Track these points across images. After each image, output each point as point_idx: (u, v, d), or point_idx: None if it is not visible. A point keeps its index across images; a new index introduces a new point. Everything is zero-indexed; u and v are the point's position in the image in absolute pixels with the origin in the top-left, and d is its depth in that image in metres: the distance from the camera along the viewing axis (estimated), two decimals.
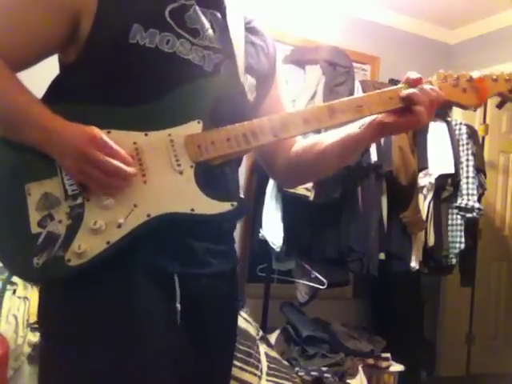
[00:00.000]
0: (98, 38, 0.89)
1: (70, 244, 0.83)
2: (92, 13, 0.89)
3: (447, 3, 3.29)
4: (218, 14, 1.02)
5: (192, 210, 0.87)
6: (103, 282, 0.86)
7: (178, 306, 0.92)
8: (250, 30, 1.08)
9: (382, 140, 2.72)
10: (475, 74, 1.09)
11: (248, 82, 1.02)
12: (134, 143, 0.88)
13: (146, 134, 0.89)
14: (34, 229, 0.85)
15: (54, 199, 0.86)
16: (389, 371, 2.71)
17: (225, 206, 0.89)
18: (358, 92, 2.77)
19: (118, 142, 0.85)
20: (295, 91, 2.58)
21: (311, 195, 2.44)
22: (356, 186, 2.60)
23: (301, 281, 2.74)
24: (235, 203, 0.89)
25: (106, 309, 0.86)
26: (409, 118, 0.96)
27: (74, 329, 0.86)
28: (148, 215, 0.85)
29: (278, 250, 2.55)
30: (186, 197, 0.88)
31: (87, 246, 0.83)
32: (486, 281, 3.68)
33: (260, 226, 2.63)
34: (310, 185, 2.43)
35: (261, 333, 2.41)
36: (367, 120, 0.98)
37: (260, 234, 2.63)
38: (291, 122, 0.94)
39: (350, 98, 0.99)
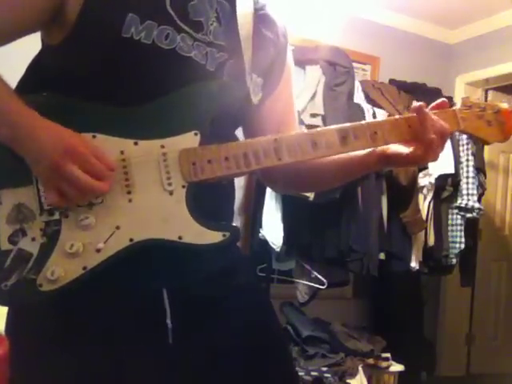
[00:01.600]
0: (86, 26, 0.78)
1: (43, 267, 0.74)
2: None
3: (447, 3, 3.29)
4: (226, 3, 0.89)
5: (180, 237, 0.78)
6: (75, 311, 0.77)
7: (169, 322, 0.82)
8: (260, 18, 0.94)
9: None
10: (503, 106, 0.95)
11: (254, 82, 0.91)
12: (122, 152, 0.77)
13: (135, 143, 0.78)
14: (4, 245, 0.75)
15: (27, 212, 0.76)
16: (389, 371, 2.71)
17: (216, 237, 0.79)
18: (358, 92, 2.77)
19: (103, 149, 0.75)
20: (295, 91, 2.57)
21: (311, 195, 2.44)
22: (356, 186, 2.59)
23: (301, 281, 2.73)
24: (227, 234, 0.79)
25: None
26: (416, 151, 0.86)
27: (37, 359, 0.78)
28: (131, 240, 0.76)
29: (278, 249, 2.54)
30: (175, 222, 0.78)
31: (61, 270, 0.74)
32: (486, 281, 3.68)
33: (260, 226, 2.63)
34: None
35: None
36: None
37: (260, 234, 2.63)
38: (298, 146, 0.84)
39: (367, 121, 0.88)
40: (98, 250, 0.75)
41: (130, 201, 0.77)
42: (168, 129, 0.80)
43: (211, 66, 0.85)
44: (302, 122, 2.47)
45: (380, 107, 2.79)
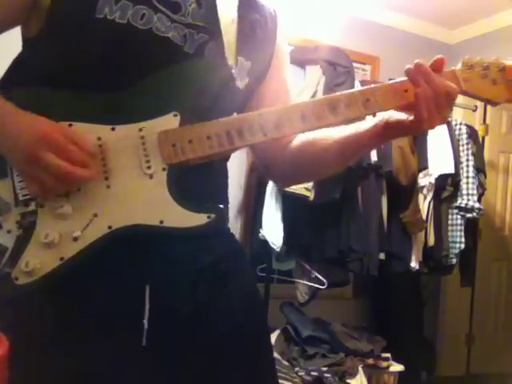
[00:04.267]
0: (59, 9, 0.76)
1: (18, 259, 0.71)
2: None
3: (447, 3, 3.29)
4: None
5: (161, 222, 0.74)
6: (52, 307, 0.73)
7: (146, 322, 0.78)
8: (247, 1, 0.91)
9: None
10: (509, 63, 0.86)
11: (240, 65, 0.87)
12: (99, 139, 0.75)
13: (112, 129, 0.75)
14: None
15: (2, 204, 0.73)
16: (389, 371, 2.71)
17: (200, 219, 0.75)
18: None
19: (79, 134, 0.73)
20: (295, 91, 2.57)
21: (311, 195, 2.44)
22: (356, 186, 2.59)
23: (301, 281, 2.73)
24: (212, 215, 0.75)
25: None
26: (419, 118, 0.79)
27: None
28: (109, 227, 0.73)
29: (278, 249, 2.54)
30: (155, 206, 0.75)
31: (37, 261, 0.71)
32: (486, 281, 3.68)
33: (260, 226, 2.63)
34: (310, 185, 2.43)
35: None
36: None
37: (260, 234, 2.63)
38: (286, 119, 0.78)
39: (358, 89, 0.83)
40: (75, 239, 0.72)
41: (108, 187, 0.74)
42: (146, 112, 0.76)
43: (190, 48, 0.81)
44: None
45: None
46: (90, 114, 0.75)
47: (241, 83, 0.88)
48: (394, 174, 2.65)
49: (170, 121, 0.76)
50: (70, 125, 0.74)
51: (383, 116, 0.84)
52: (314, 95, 2.60)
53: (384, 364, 2.69)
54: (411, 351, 2.97)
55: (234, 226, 2.88)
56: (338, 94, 0.81)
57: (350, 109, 0.80)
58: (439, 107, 0.79)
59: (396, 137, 0.89)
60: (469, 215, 2.88)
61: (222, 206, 0.83)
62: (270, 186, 2.63)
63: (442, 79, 0.80)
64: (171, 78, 0.78)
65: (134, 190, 0.75)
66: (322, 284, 2.59)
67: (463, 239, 2.89)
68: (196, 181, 0.80)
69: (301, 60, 2.82)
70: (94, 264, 0.74)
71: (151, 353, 0.79)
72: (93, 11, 0.75)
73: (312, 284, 2.66)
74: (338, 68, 2.71)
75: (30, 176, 0.71)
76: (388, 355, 2.74)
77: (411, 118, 0.80)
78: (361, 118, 0.84)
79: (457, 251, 2.88)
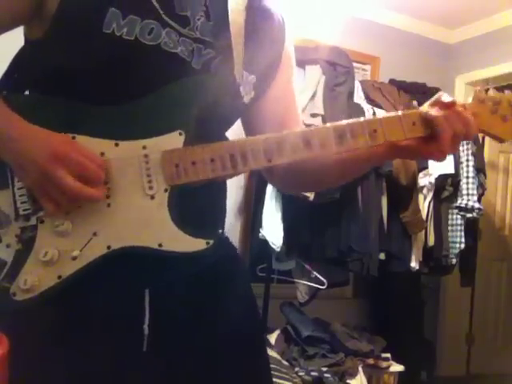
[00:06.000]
0: (65, 19, 0.74)
1: (17, 275, 0.71)
2: None
3: (447, 3, 3.29)
4: None
5: (160, 245, 0.73)
6: (50, 314, 0.73)
7: (146, 328, 0.78)
8: (255, 12, 0.88)
9: None
10: None
11: (245, 80, 0.85)
12: (102, 154, 0.73)
13: (116, 144, 0.74)
14: None
15: (2, 217, 0.72)
16: (389, 371, 2.71)
17: (198, 244, 0.74)
18: (358, 92, 2.77)
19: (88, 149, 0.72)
20: (295, 91, 2.57)
21: (311, 195, 2.44)
22: (356, 186, 2.59)
23: (301, 281, 2.73)
24: (211, 241, 0.74)
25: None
26: (429, 146, 0.79)
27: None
28: (108, 247, 0.72)
29: (278, 249, 2.54)
30: (155, 228, 0.73)
31: (35, 279, 0.70)
32: (486, 281, 3.68)
33: (260, 226, 2.63)
34: None
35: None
36: None
37: (260, 234, 2.62)
38: (289, 145, 0.77)
39: (366, 118, 0.81)
40: (74, 258, 0.71)
41: (108, 205, 0.73)
42: (151, 128, 0.75)
43: (197, 64, 0.80)
44: (302, 122, 2.46)
45: (380, 107, 2.79)
46: (93, 126, 0.74)
47: (246, 98, 0.86)
48: (394, 173, 2.65)
49: (174, 139, 0.75)
50: (74, 137, 0.73)
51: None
52: (313, 95, 2.60)
53: (384, 364, 2.69)
54: (411, 351, 2.97)
55: (234, 226, 2.88)
56: (344, 122, 0.80)
57: (357, 139, 0.79)
58: (457, 144, 0.80)
59: (396, 158, 0.88)
60: (469, 215, 2.88)
61: (220, 230, 0.82)
62: (270, 187, 2.63)
63: (461, 120, 0.78)
64: (176, 93, 0.76)
65: (135, 210, 0.74)
66: (322, 284, 2.59)
67: (463, 239, 2.89)
68: (196, 202, 0.79)
69: (301, 60, 2.81)
70: (93, 271, 0.73)
71: (152, 358, 0.79)
72: (100, 25, 0.73)
73: (312, 284, 2.66)
74: (338, 68, 2.71)
75: (44, 193, 0.70)
76: (388, 355, 2.74)
77: (420, 146, 0.80)
78: (366, 148, 0.83)
79: (457, 251, 2.88)
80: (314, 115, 2.53)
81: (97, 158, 0.72)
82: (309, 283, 2.68)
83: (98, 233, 0.73)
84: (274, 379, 2.16)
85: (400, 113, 0.81)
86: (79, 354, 0.75)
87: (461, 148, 2.96)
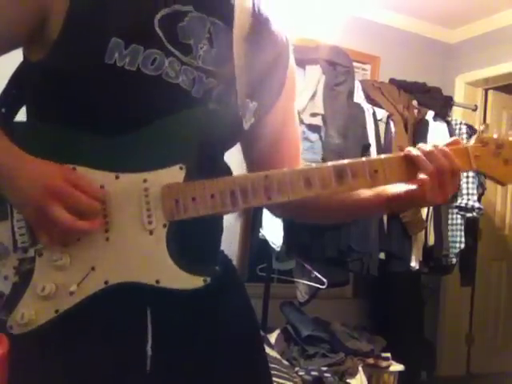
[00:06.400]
0: (66, 47, 0.73)
1: (14, 308, 0.70)
2: (62, 11, 0.71)
3: (447, 3, 3.29)
4: (221, 23, 0.81)
5: (157, 281, 0.73)
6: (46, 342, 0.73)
7: (149, 350, 0.78)
8: (258, 34, 0.85)
9: (382, 139, 2.72)
10: None
11: (247, 107, 0.84)
12: (102, 187, 0.73)
13: (116, 177, 0.73)
14: None
15: (1, 248, 0.72)
16: (389, 371, 2.71)
17: (196, 282, 0.73)
18: (358, 92, 2.77)
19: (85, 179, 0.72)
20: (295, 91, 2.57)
21: None
22: None
23: (301, 280, 2.73)
24: (208, 279, 0.73)
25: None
26: (428, 189, 0.78)
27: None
28: (106, 282, 0.72)
29: (278, 249, 2.54)
30: (153, 264, 0.73)
31: (32, 313, 0.70)
32: (486, 281, 3.68)
33: (260, 226, 2.63)
34: None
35: (261, 333, 2.41)
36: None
37: (260, 234, 2.62)
38: (290, 183, 0.77)
39: (368, 158, 0.81)
40: (72, 293, 0.71)
41: (107, 239, 0.73)
42: (152, 161, 0.74)
43: (198, 93, 0.79)
44: (302, 122, 2.46)
45: (380, 107, 2.79)
46: (93, 157, 0.73)
47: (246, 125, 0.86)
48: None
49: (175, 174, 0.74)
50: (74, 168, 0.72)
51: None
52: (313, 95, 2.60)
53: (384, 364, 2.69)
54: (411, 351, 2.97)
55: (234, 226, 2.88)
56: (346, 162, 0.80)
57: (357, 179, 0.79)
58: (443, 185, 0.79)
59: (399, 208, 0.89)
60: (469, 215, 2.88)
61: (217, 267, 0.81)
62: None
63: (447, 158, 0.79)
64: (178, 126, 0.75)
65: (133, 245, 0.73)
66: (322, 284, 2.59)
67: (463, 239, 2.89)
68: (194, 236, 0.78)
69: (301, 60, 2.82)
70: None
71: (155, 378, 0.79)
72: (102, 55, 0.72)
73: (312, 284, 2.65)
74: (338, 68, 2.71)
75: (39, 226, 0.70)
76: (388, 355, 2.74)
77: (418, 191, 0.80)
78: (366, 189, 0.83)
79: (457, 251, 2.88)
80: (313, 115, 2.53)
81: (94, 188, 0.72)
82: (309, 283, 2.68)
83: (95, 267, 0.72)
84: (274, 379, 2.16)
85: (402, 153, 0.82)
86: (82, 375, 0.75)
87: None
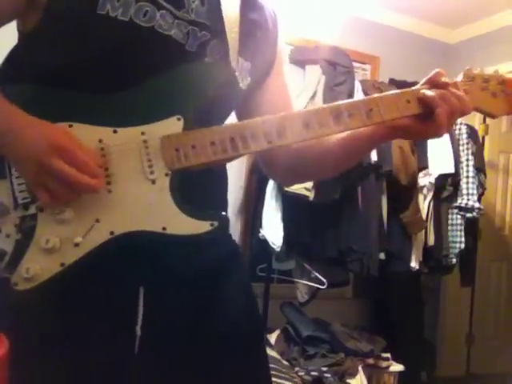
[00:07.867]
0: (58, 4, 0.74)
1: (18, 265, 0.69)
2: None
3: (447, 3, 3.29)
4: None
5: (164, 228, 0.72)
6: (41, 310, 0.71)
7: (138, 330, 0.76)
8: (248, 2, 0.89)
9: None
10: (508, 76, 0.90)
11: (240, 65, 0.85)
12: (100, 141, 0.73)
13: (114, 131, 0.73)
14: None
15: (1, 207, 0.71)
16: (389, 371, 2.71)
17: (203, 226, 0.73)
18: (358, 92, 2.77)
19: (80, 138, 0.71)
20: (295, 91, 2.58)
21: (311, 195, 2.44)
22: (356, 186, 2.59)
23: (301, 281, 2.73)
24: (215, 223, 0.73)
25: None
26: (426, 125, 0.81)
27: None
28: (111, 233, 0.71)
29: (278, 249, 2.54)
30: (158, 212, 0.73)
31: (38, 267, 0.69)
32: (486, 281, 3.68)
33: (260, 226, 2.63)
34: (309, 184, 2.43)
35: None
36: None
37: (260, 234, 2.63)
38: (289, 127, 0.78)
39: (361, 98, 0.84)
40: (77, 245, 0.70)
41: (109, 191, 0.72)
42: (149, 115, 0.75)
43: (192, 47, 0.80)
44: None
45: None
46: (90, 114, 0.73)
47: (243, 83, 0.86)
48: (394, 173, 2.65)
49: (173, 125, 0.75)
50: (70, 125, 0.72)
51: None
52: (313, 95, 2.60)
53: (384, 364, 2.69)
54: (411, 351, 2.97)
55: (234, 226, 2.88)
56: (340, 102, 0.81)
57: (353, 118, 0.80)
58: (453, 122, 0.83)
59: (395, 138, 0.90)
60: (469, 215, 2.88)
61: (224, 212, 0.81)
62: (270, 186, 2.63)
63: (456, 97, 0.82)
64: (174, 79, 0.76)
65: (136, 195, 0.73)
66: (322, 284, 2.59)
67: (463, 239, 2.89)
68: (198, 186, 0.79)
69: (301, 60, 2.83)
70: (87, 265, 0.72)
71: (143, 361, 0.77)
72: (94, 7, 0.73)
73: (312, 284, 2.65)
74: (338, 68, 2.71)
75: (40, 184, 0.69)
76: (388, 355, 2.74)
77: (417, 125, 0.82)
78: (363, 127, 0.84)
79: (457, 251, 2.88)
80: None
81: (92, 148, 0.72)
82: (309, 283, 2.68)
83: (100, 219, 0.72)
84: (274, 379, 2.16)
85: (394, 92, 0.84)
86: (70, 353, 0.74)
87: (461, 148, 2.97)
